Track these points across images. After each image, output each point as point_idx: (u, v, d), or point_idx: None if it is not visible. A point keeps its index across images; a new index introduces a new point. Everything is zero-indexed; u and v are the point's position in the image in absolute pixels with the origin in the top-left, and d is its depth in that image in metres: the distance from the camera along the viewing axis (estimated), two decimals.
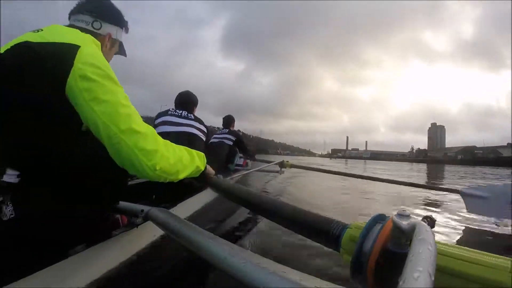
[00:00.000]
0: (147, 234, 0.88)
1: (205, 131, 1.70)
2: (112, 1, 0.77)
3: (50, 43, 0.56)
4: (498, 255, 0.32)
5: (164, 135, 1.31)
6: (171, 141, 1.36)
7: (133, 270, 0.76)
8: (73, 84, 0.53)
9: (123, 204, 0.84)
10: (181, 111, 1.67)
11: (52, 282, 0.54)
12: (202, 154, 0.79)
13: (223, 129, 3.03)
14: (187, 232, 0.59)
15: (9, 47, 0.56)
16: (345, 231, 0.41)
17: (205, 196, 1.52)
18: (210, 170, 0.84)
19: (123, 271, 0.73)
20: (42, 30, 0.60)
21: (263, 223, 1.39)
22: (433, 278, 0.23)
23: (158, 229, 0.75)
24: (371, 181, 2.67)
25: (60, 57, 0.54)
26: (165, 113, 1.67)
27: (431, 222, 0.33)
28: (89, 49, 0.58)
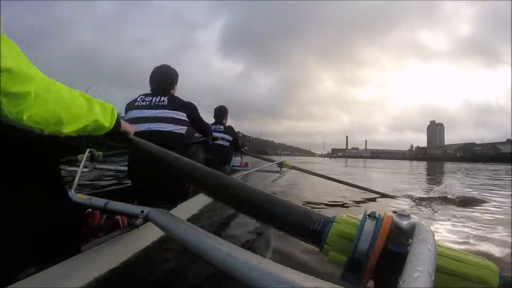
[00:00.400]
0: (147, 235, 0.88)
1: (185, 118, 1.27)
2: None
3: None
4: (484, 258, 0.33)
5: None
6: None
7: (133, 270, 0.76)
8: None
9: (123, 205, 0.84)
10: (151, 98, 1.26)
11: (52, 283, 0.54)
12: (111, 106, 0.65)
13: (215, 124, 2.62)
14: (187, 233, 0.58)
15: None
16: (331, 226, 0.36)
17: (205, 197, 1.52)
18: (127, 127, 0.71)
19: (123, 271, 0.73)
20: None
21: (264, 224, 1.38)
22: (433, 278, 0.23)
23: (158, 230, 0.75)
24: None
25: None
26: (132, 104, 1.28)
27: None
28: None
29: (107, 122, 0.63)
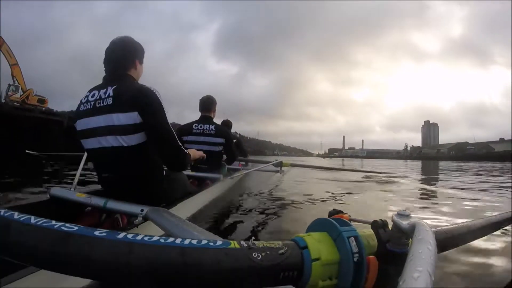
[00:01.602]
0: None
1: (140, 120, 0.81)
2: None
3: None
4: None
5: (91, 153, 0.87)
6: (102, 164, 0.89)
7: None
8: None
9: (122, 203, 0.83)
10: (97, 93, 0.86)
11: (52, 282, 0.53)
12: None
13: (202, 123, 1.79)
14: (187, 232, 0.58)
15: None
16: (308, 254, 0.28)
17: (205, 196, 1.51)
18: None
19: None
20: None
21: (264, 224, 1.38)
22: (433, 278, 0.22)
23: (157, 229, 0.74)
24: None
25: None
26: (78, 108, 0.92)
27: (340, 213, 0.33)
28: None
29: None
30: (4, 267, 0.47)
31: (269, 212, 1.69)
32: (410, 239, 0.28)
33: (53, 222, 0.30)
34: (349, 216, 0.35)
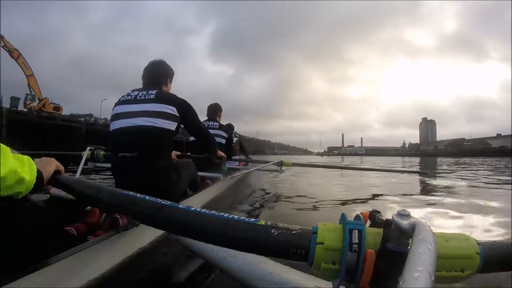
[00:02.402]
0: (147, 234, 0.87)
1: (176, 114, 1.08)
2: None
3: None
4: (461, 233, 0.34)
5: (117, 134, 1.08)
6: (123, 143, 1.08)
7: (133, 269, 0.75)
8: None
9: None
10: (137, 92, 1.11)
11: (52, 282, 0.52)
12: (26, 157, 0.52)
13: (209, 120, 2.28)
14: None
15: None
16: (315, 239, 0.33)
17: (205, 196, 1.51)
18: (48, 169, 0.58)
19: (122, 270, 0.72)
20: None
21: (265, 220, 1.38)
22: (433, 278, 0.22)
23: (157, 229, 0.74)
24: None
25: None
26: (118, 100, 1.15)
27: (378, 215, 0.33)
28: None
29: (28, 175, 0.50)
30: (4, 267, 0.47)
31: (269, 211, 1.69)
32: (410, 239, 0.27)
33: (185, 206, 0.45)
34: (375, 214, 0.35)
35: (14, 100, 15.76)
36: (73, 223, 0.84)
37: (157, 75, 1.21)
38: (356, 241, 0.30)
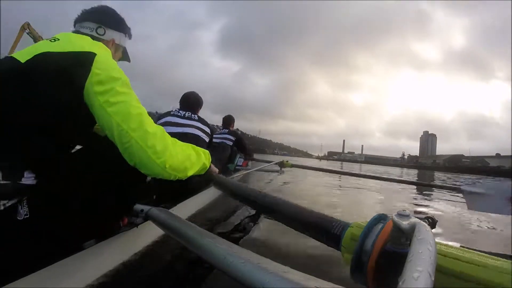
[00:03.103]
0: (147, 234, 0.86)
1: (209, 132, 1.66)
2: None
3: (70, 52, 0.59)
4: (498, 257, 0.31)
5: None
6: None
7: (133, 270, 0.74)
8: (89, 89, 0.57)
9: None
10: (184, 112, 1.63)
11: (52, 282, 0.52)
12: (207, 151, 0.80)
13: (222, 129, 2.96)
14: (187, 232, 0.57)
15: (28, 57, 0.56)
16: (347, 230, 0.41)
17: (205, 196, 1.50)
18: (214, 168, 0.86)
19: (123, 271, 0.71)
20: (58, 39, 0.62)
21: (263, 223, 1.37)
22: (433, 278, 0.23)
23: (158, 229, 0.74)
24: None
25: (80, 64, 0.57)
26: (167, 114, 1.64)
27: (432, 222, 0.33)
28: (103, 56, 0.61)
29: (208, 163, 0.79)
30: (5, 267, 0.47)
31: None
32: (410, 240, 0.28)
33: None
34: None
35: None
36: None
37: (194, 103, 1.73)
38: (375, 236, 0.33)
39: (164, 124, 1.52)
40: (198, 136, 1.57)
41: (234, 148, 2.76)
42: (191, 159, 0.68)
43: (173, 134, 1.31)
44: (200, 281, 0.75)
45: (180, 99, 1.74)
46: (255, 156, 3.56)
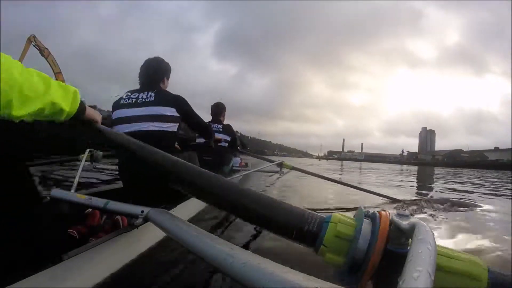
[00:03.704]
0: (147, 236, 0.86)
1: (175, 113, 1.11)
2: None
3: None
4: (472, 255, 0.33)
5: None
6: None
7: (133, 271, 0.74)
8: None
9: (123, 205, 0.83)
10: (137, 95, 1.11)
11: (54, 283, 0.52)
12: (74, 89, 0.56)
13: (213, 122, 2.28)
14: (187, 233, 0.57)
15: None
16: (327, 226, 0.34)
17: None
18: (94, 116, 0.62)
19: (123, 272, 0.71)
20: None
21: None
22: (432, 278, 0.22)
23: (158, 230, 0.73)
24: None
25: None
26: (117, 103, 1.14)
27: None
28: None
29: (68, 106, 0.53)
30: (8, 268, 0.47)
31: None
32: (410, 239, 0.28)
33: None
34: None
35: None
36: (75, 226, 0.84)
37: (153, 75, 1.19)
38: (368, 236, 0.31)
39: (117, 123, 1.11)
40: (154, 132, 1.06)
41: (230, 149, 2.30)
42: (22, 91, 0.43)
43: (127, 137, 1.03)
44: (200, 282, 0.75)
45: (139, 74, 1.21)
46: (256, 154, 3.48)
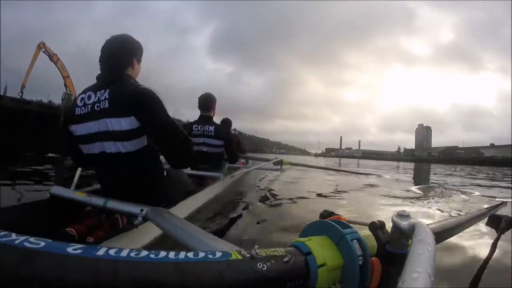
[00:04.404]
0: (146, 234, 0.86)
1: (137, 124, 0.77)
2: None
3: None
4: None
5: (89, 159, 0.84)
6: (104, 171, 0.90)
7: None
8: None
9: (122, 203, 0.82)
10: (92, 97, 0.81)
11: None
12: None
13: (203, 124, 1.72)
14: (186, 232, 0.57)
15: None
16: (313, 260, 0.27)
17: (205, 195, 1.50)
18: None
19: None
20: None
21: (263, 222, 1.38)
22: (432, 278, 0.22)
23: (157, 229, 0.73)
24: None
25: None
26: (72, 113, 0.85)
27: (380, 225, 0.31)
28: None
29: None
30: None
31: (269, 211, 1.69)
32: (410, 240, 0.27)
33: (14, 236, 0.24)
34: (345, 217, 0.34)
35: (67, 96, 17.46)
36: (73, 224, 0.83)
37: (116, 58, 0.85)
38: (360, 253, 0.27)
39: (79, 141, 0.86)
40: (125, 155, 0.81)
41: (221, 155, 1.80)
42: None
43: (94, 160, 0.81)
44: None
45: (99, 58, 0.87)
46: (253, 155, 3.41)
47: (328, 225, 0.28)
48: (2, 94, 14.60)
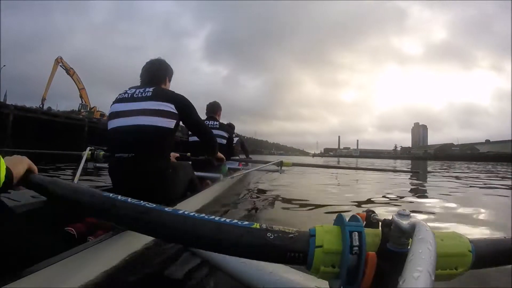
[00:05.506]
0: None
1: (173, 110, 1.02)
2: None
3: None
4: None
5: (113, 133, 1.02)
6: (119, 143, 1.05)
7: (134, 268, 0.73)
8: None
9: None
10: (134, 90, 1.05)
11: (52, 282, 0.51)
12: None
13: (209, 120, 2.18)
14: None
15: None
16: (314, 241, 0.31)
17: (205, 196, 1.49)
18: (18, 168, 0.53)
19: (124, 269, 0.70)
20: None
21: (262, 222, 1.37)
22: (433, 278, 0.22)
23: None
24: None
25: None
26: (115, 99, 1.10)
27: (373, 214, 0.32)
28: None
29: None
30: (4, 267, 0.45)
31: (269, 211, 1.68)
32: (410, 239, 0.27)
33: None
34: (370, 214, 0.34)
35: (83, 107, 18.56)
36: (73, 223, 0.82)
37: (155, 73, 1.15)
38: (357, 243, 0.29)
39: (110, 117, 1.07)
40: (148, 127, 0.97)
41: (225, 148, 2.06)
42: None
43: (119, 131, 1.00)
44: (200, 281, 0.74)
45: (140, 74, 1.16)
46: (253, 157, 3.41)
47: (340, 217, 0.33)
48: (2, 101, 14.76)
